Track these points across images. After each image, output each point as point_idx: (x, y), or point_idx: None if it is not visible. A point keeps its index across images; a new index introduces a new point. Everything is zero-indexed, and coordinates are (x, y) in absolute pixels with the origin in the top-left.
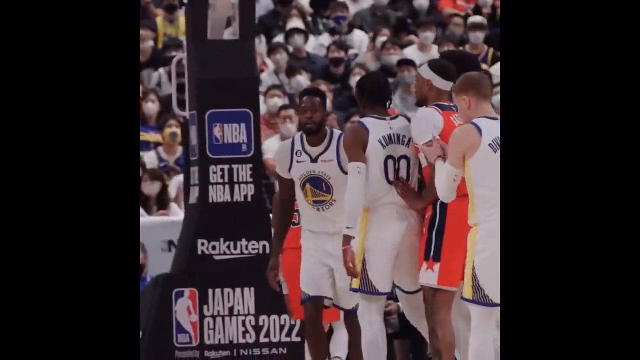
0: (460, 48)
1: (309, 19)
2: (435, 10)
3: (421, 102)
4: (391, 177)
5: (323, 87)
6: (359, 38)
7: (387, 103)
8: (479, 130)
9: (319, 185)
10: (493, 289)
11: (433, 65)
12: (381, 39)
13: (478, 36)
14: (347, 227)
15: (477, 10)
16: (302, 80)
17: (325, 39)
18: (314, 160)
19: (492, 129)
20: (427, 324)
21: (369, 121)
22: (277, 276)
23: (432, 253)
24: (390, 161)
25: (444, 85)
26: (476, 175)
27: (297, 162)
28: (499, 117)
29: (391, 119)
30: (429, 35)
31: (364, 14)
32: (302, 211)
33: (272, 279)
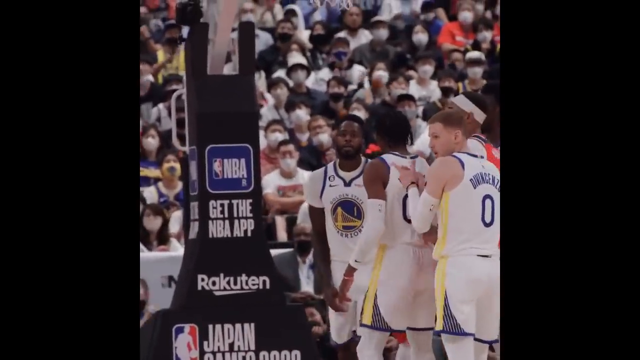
0: (459, 84)
1: (308, 54)
2: (435, 45)
3: (487, 130)
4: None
5: (321, 122)
6: (358, 73)
7: (408, 140)
8: (462, 163)
9: (350, 209)
10: (464, 317)
11: (472, 97)
12: (378, 73)
13: (476, 71)
14: (356, 261)
15: (476, 46)
16: (302, 114)
17: (325, 73)
18: (347, 184)
19: (473, 165)
20: None
21: (390, 158)
22: (342, 300)
23: None
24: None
25: (481, 118)
26: (453, 208)
27: (330, 186)
28: (478, 155)
29: (411, 157)
30: (428, 69)
31: (363, 49)
32: (330, 240)
33: (339, 304)
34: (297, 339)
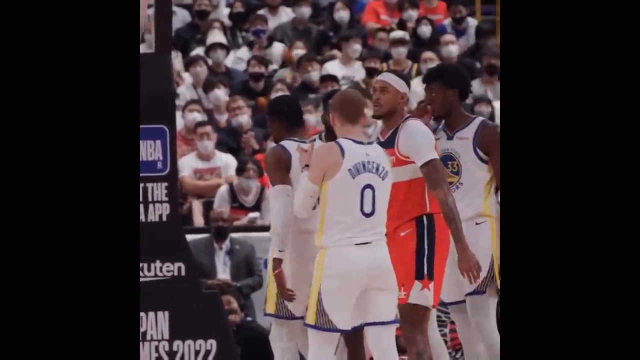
0: (384, 64)
1: (228, 32)
2: (358, 24)
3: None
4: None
5: (241, 103)
6: (279, 52)
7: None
8: (342, 151)
9: None
10: (338, 315)
11: (404, 78)
12: (297, 52)
13: (401, 52)
14: (280, 251)
15: (402, 25)
16: (221, 94)
17: (245, 52)
18: None
19: (355, 153)
20: (414, 345)
21: (291, 144)
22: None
23: (426, 271)
24: None
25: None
26: (331, 198)
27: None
28: (367, 140)
29: (310, 141)
30: (357, 48)
31: (284, 28)
32: None
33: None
34: (213, 328)
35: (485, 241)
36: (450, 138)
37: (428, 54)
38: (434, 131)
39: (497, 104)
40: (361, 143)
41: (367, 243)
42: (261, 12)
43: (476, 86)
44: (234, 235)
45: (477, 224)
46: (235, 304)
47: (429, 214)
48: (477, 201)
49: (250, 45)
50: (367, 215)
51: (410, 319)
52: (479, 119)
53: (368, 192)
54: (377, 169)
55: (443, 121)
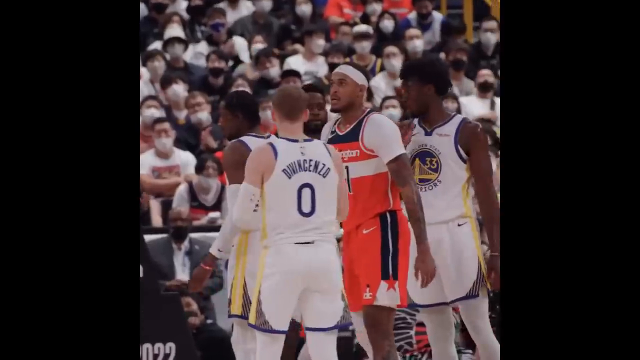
0: (347, 59)
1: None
2: (321, 18)
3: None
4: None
5: (200, 99)
6: (240, 47)
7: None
8: (275, 153)
9: None
10: (275, 316)
11: (362, 70)
12: (256, 46)
13: (364, 46)
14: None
15: (365, 19)
16: (179, 90)
17: (204, 47)
18: None
19: (289, 153)
20: (380, 350)
21: (251, 140)
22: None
23: (391, 271)
24: None
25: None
26: (269, 199)
27: None
28: (304, 138)
29: (267, 136)
30: (320, 43)
31: (245, 21)
32: None
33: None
34: (172, 331)
35: (470, 243)
36: (428, 134)
37: (391, 49)
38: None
39: (463, 100)
40: (296, 141)
41: (308, 243)
42: (220, 5)
43: None
44: (193, 235)
45: (459, 225)
46: (194, 306)
47: (392, 211)
48: (457, 202)
49: (209, 39)
50: (306, 215)
51: (376, 321)
52: (459, 116)
53: (306, 191)
54: (317, 167)
55: (418, 117)
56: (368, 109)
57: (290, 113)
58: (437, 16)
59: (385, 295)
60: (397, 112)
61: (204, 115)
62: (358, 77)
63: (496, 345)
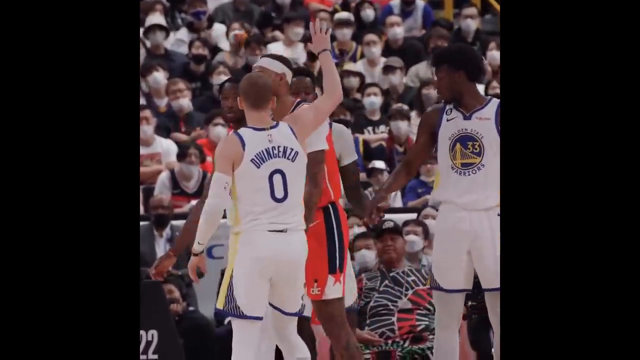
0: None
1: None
2: (301, 5)
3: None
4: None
5: (182, 85)
6: (219, 34)
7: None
8: (242, 143)
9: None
10: (246, 301)
11: (279, 58)
12: (234, 34)
13: (345, 33)
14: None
15: (345, 6)
16: (160, 77)
17: (184, 34)
18: None
19: (257, 142)
20: (338, 341)
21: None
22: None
23: (338, 264)
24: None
25: (290, 79)
26: (240, 188)
27: None
28: (269, 125)
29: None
30: (299, 31)
31: (225, 8)
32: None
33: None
34: (155, 318)
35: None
36: (467, 117)
37: (370, 37)
38: (442, 111)
39: None
40: (262, 129)
41: (281, 231)
42: None
43: (423, 69)
44: (175, 222)
45: (498, 215)
46: (177, 293)
47: (333, 202)
48: (497, 189)
49: (189, 26)
50: (280, 201)
51: (329, 314)
52: (496, 100)
53: (277, 177)
54: (285, 152)
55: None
56: (298, 100)
57: (256, 102)
58: (420, 3)
59: (333, 289)
60: (378, 99)
61: (185, 102)
62: (276, 66)
63: None
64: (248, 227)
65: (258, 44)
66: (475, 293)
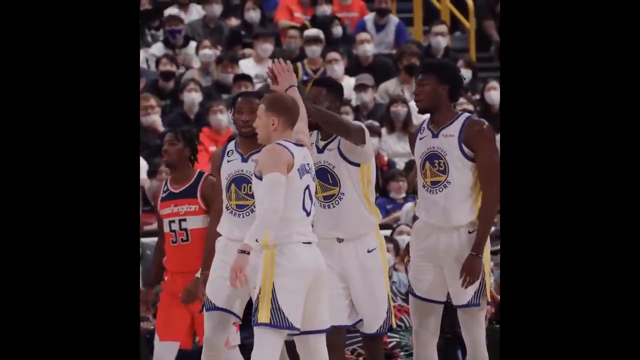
0: (298, 64)
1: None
2: (271, 22)
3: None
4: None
5: (152, 102)
6: (192, 51)
7: None
8: (291, 152)
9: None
10: (293, 313)
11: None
12: (204, 52)
13: (315, 50)
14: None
15: (315, 22)
16: None
17: (155, 51)
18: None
19: (298, 154)
20: None
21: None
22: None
23: None
24: None
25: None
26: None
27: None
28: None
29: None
30: (268, 47)
31: (195, 25)
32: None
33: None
34: None
35: None
36: (435, 136)
37: (333, 55)
38: (418, 130)
39: (414, 104)
40: (300, 145)
41: (309, 243)
42: (173, 10)
43: (393, 86)
44: (144, 240)
45: (469, 232)
46: (150, 312)
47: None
48: (468, 205)
49: (165, 43)
50: (308, 214)
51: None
52: (465, 114)
53: (307, 192)
54: (311, 171)
55: (428, 119)
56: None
57: (293, 121)
58: (393, 19)
59: (235, 337)
60: (349, 118)
61: (155, 117)
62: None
63: (486, 357)
64: (284, 239)
65: (230, 61)
66: (447, 311)
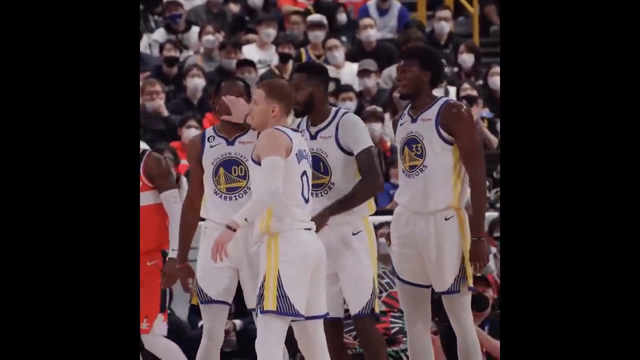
0: (302, 49)
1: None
2: (275, 7)
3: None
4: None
5: (157, 87)
6: (196, 36)
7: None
8: (289, 136)
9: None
10: (299, 300)
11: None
12: (207, 38)
13: (318, 35)
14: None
15: (318, 7)
16: None
17: (158, 36)
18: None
19: (296, 139)
20: None
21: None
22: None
23: (168, 304)
24: None
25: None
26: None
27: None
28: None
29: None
30: (271, 32)
31: (198, 11)
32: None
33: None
34: None
35: (455, 239)
36: (414, 121)
37: (332, 41)
38: (400, 116)
39: None
40: (297, 131)
41: (309, 229)
42: None
43: (395, 72)
44: None
45: (446, 219)
46: None
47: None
48: (446, 190)
49: (167, 28)
50: (307, 201)
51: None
52: (443, 98)
53: (304, 178)
54: (308, 158)
55: (409, 105)
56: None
57: (290, 109)
58: (396, 4)
59: (161, 326)
60: (353, 104)
61: (159, 103)
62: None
63: (476, 341)
64: (287, 226)
65: (233, 47)
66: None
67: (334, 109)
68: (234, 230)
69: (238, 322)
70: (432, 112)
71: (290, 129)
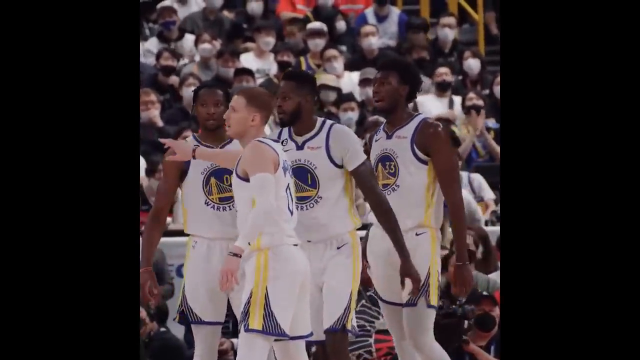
0: (302, 58)
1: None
2: (274, 14)
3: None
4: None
5: (152, 97)
6: (190, 44)
7: None
8: (275, 150)
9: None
10: (285, 320)
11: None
12: (203, 46)
13: (318, 44)
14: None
15: (318, 15)
16: None
17: (154, 44)
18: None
19: (280, 151)
20: None
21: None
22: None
23: None
24: None
25: None
26: None
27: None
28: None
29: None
30: (270, 40)
31: (195, 18)
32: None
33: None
34: None
35: (423, 252)
36: (389, 137)
37: (331, 52)
38: (375, 132)
39: (420, 99)
40: (277, 141)
41: (296, 245)
42: (169, 2)
43: None
44: None
45: (417, 234)
46: (143, 313)
47: None
48: (418, 211)
49: (160, 36)
50: (292, 213)
51: None
52: (420, 116)
53: (288, 192)
54: (289, 170)
55: (384, 122)
56: None
57: (268, 118)
58: (394, 9)
59: None
60: (354, 114)
61: (153, 113)
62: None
63: (441, 354)
64: (276, 241)
65: (231, 55)
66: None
67: (319, 119)
68: (239, 257)
69: (236, 342)
70: (409, 129)
71: (272, 140)
